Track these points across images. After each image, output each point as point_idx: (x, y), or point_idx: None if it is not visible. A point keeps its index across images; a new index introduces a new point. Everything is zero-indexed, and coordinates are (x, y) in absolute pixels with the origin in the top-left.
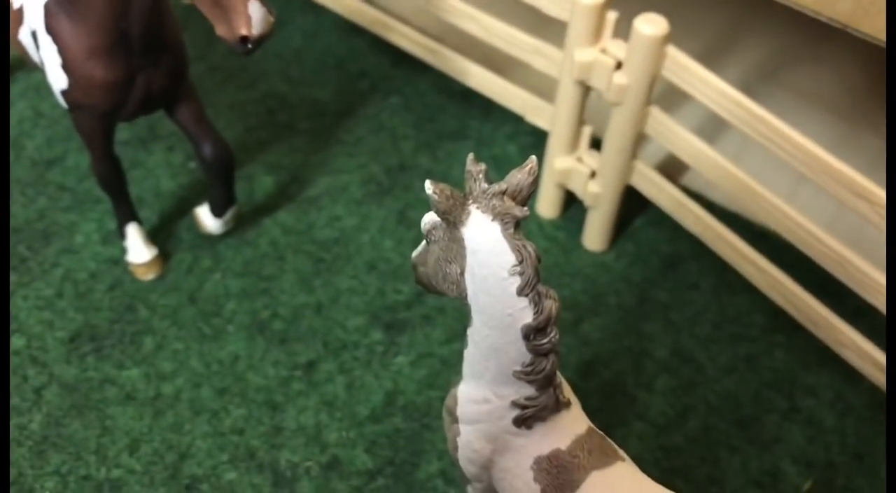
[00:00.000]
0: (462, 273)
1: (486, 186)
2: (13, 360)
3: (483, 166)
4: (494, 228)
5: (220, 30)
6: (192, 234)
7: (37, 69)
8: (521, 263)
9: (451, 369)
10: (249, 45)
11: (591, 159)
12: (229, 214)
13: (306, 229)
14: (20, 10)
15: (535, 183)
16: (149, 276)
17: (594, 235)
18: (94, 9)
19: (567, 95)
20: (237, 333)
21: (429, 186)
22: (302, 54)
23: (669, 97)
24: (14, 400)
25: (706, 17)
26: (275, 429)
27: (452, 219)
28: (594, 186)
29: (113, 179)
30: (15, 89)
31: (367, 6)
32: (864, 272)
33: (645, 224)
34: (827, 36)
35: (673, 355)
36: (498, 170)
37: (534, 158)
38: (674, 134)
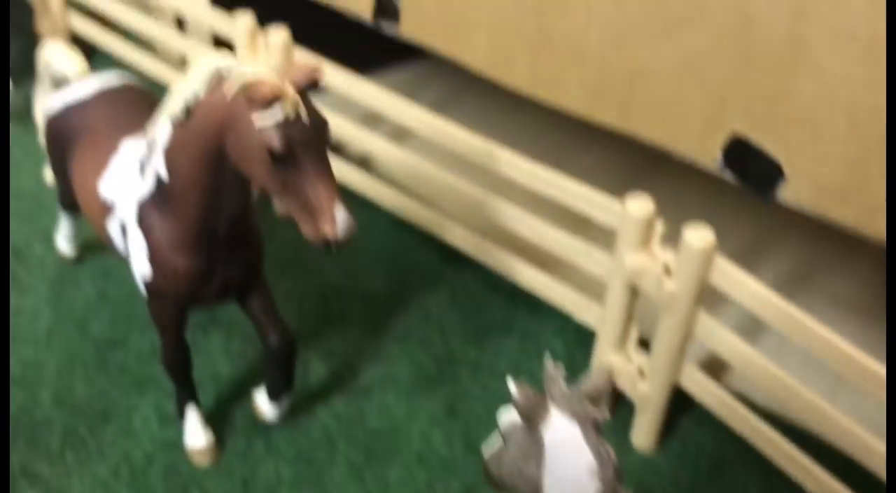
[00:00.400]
0: (541, 474)
1: (566, 389)
2: None
3: (563, 370)
4: (574, 430)
5: (306, 230)
6: (247, 419)
7: (109, 252)
8: (601, 465)
9: None
10: (332, 246)
11: (639, 358)
12: (286, 399)
13: (358, 418)
14: (112, 204)
15: (612, 388)
16: (204, 462)
17: (642, 433)
18: (188, 207)
19: (616, 297)
20: None
21: (513, 388)
22: (356, 248)
23: (710, 296)
24: None
25: (740, 224)
26: None
27: (533, 420)
28: (643, 386)
29: (182, 364)
30: (83, 272)
31: (419, 205)
32: None
33: (692, 424)
34: (855, 243)
35: None
36: (542, 364)
37: (610, 364)
38: (721, 337)
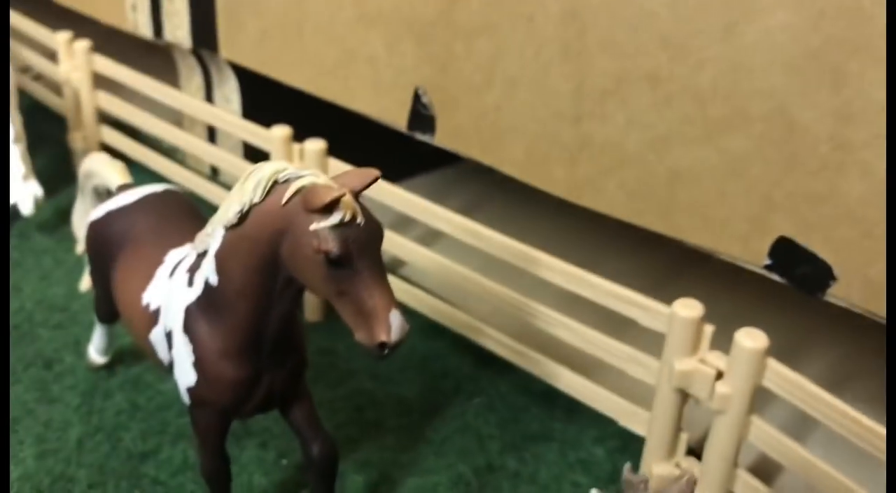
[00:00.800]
0: None
1: None
2: None
3: (646, 477)
4: None
5: (360, 336)
6: None
7: (140, 362)
8: None
9: None
10: (386, 351)
11: (689, 466)
12: None
13: None
14: (156, 312)
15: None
16: None
17: None
18: (237, 314)
19: (665, 403)
20: None
21: None
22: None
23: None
24: None
25: (774, 322)
26: None
27: None
28: None
29: (221, 475)
30: (114, 382)
31: (451, 308)
32: None
33: None
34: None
35: None
36: (585, 473)
37: (692, 469)
38: (775, 440)
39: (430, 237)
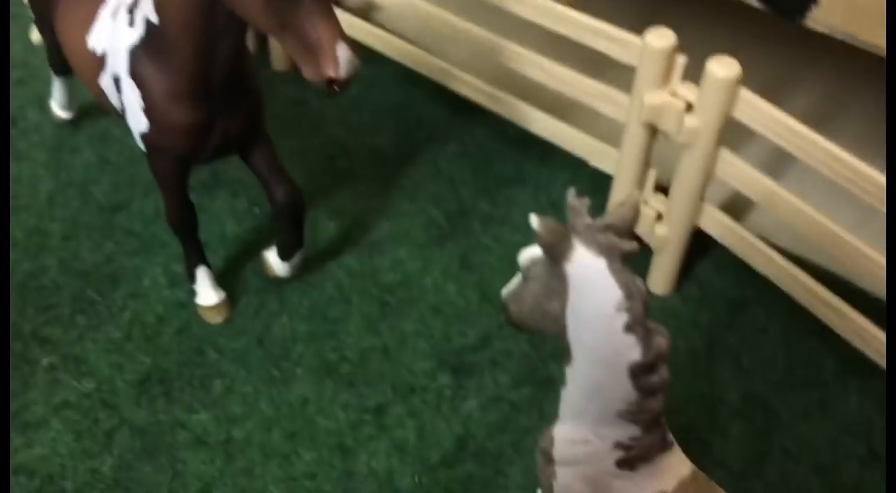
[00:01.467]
0: (563, 310)
1: (590, 220)
2: (84, 403)
3: (587, 201)
4: (600, 264)
5: (308, 72)
6: (258, 278)
7: (106, 116)
8: (628, 298)
9: (521, 415)
10: (336, 88)
11: (656, 202)
12: (297, 258)
13: (370, 273)
14: (103, 57)
15: (637, 218)
16: (217, 319)
17: (660, 278)
18: (182, 54)
19: (634, 139)
20: (305, 376)
21: (534, 221)
22: (361, 103)
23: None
24: (85, 443)
25: (761, 59)
26: (347, 474)
27: (556, 254)
28: (661, 229)
29: (186, 222)
30: (81, 137)
31: (426, 54)
32: None
33: (710, 267)
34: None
35: (745, 400)
36: (557, 214)
37: (636, 194)
38: (744, 174)
39: None
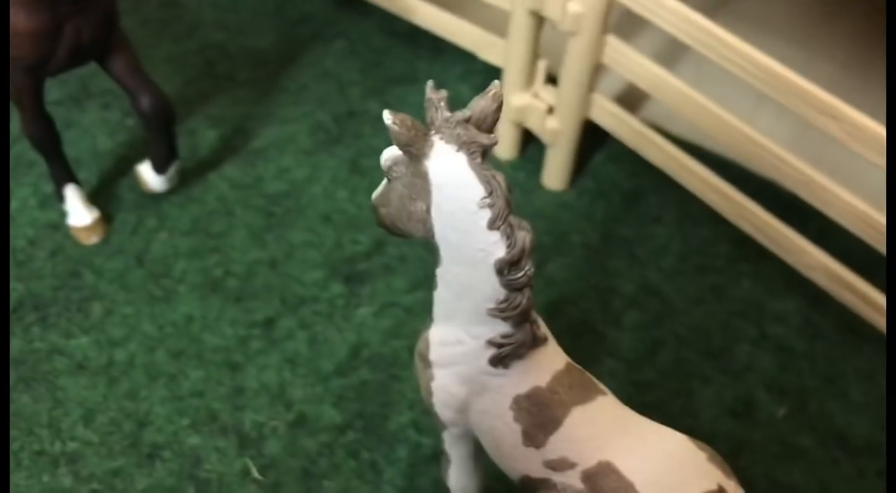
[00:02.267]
0: (428, 210)
1: (448, 114)
2: None
3: (444, 93)
4: (460, 159)
5: None
6: (134, 193)
7: None
8: (490, 194)
9: (415, 318)
10: None
11: (547, 95)
12: (172, 170)
13: (254, 183)
14: None
15: (500, 109)
16: (92, 239)
17: (554, 173)
18: None
19: (520, 28)
20: (189, 293)
21: (387, 117)
22: (238, 2)
23: (619, 25)
24: None
25: None
26: (236, 390)
27: (415, 152)
28: (552, 123)
29: (46, 139)
30: None
31: None
32: (828, 191)
33: (604, 160)
34: None
35: (639, 289)
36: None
37: (497, 82)
38: (632, 63)
39: None
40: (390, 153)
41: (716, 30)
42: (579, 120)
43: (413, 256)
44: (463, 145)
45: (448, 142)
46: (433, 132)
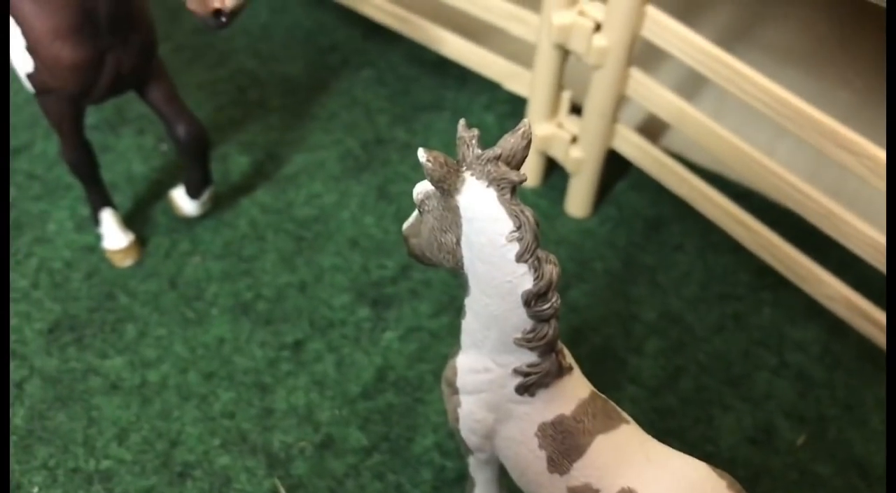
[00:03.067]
0: (458, 242)
1: (479, 151)
2: None
3: (476, 132)
4: (490, 195)
5: (192, 3)
6: (168, 218)
7: None
8: (519, 228)
9: (440, 343)
10: (223, 19)
11: (571, 125)
12: (205, 195)
13: (285, 208)
14: None
15: (529, 147)
16: (126, 262)
17: (577, 201)
18: None
19: (545, 60)
20: (221, 316)
21: (422, 154)
22: (270, 30)
23: (642, 57)
24: None
25: None
26: (265, 411)
27: (446, 187)
28: (576, 152)
29: (85, 164)
30: None
31: None
32: (847, 223)
33: (626, 188)
34: None
35: (661, 317)
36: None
37: (527, 121)
38: (655, 95)
39: None
40: (422, 187)
41: (735, 63)
42: (602, 149)
43: (438, 281)
44: (493, 182)
45: (479, 178)
46: (464, 168)
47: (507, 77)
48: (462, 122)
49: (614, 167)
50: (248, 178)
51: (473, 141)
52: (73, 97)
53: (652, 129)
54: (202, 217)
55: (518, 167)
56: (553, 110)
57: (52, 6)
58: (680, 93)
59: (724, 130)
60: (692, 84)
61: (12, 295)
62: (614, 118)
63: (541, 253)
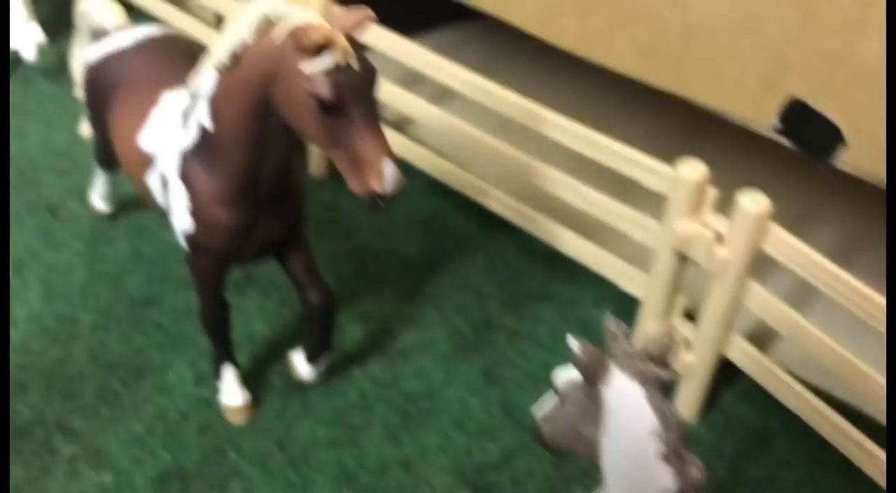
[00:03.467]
0: (598, 434)
1: (629, 348)
2: None
3: (625, 326)
4: (637, 390)
5: (353, 185)
6: (282, 379)
7: (144, 209)
8: (665, 427)
9: None
10: (380, 201)
11: (684, 329)
12: (323, 361)
13: (394, 381)
14: (152, 156)
15: (675, 346)
16: (240, 419)
17: (685, 405)
18: (232, 159)
19: (664, 265)
20: (325, 483)
21: (574, 344)
22: (392, 211)
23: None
24: None
25: (789, 191)
26: None
27: (593, 378)
28: (688, 357)
29: (219, 321)
30: (118, 229)
31: (458, 168)
32: None
33: (735, 397)
34: None
35: None
36: (583, 333)
37: (667, 324)
38: (772, 306)
39: (441, 97)
40: (566, 375)
41: (848, 278)
42: (715, 357)
43: (540, 472)
44: (641, 377)
45: (626, 372)
46: (613, 362)
47: (623, 277)
48: (610, 317)
49: (723, 374)
50: (361, 348)
51: (622, 335)
52: (222, 258)
53: (762, 336)
54: (315, 382)
55: (664, 365)
56: (666, 313)
57: (223, 174)
58: (790, 299)
59: (837, 343)
60: (801, 292)
61: (128, 439)
62: (729, 327)
63: (685, 454)
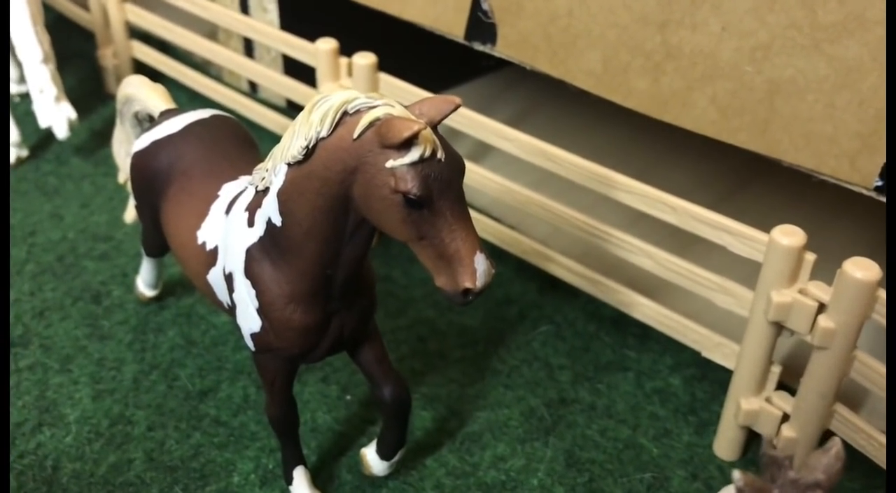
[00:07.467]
0: None
1: (793, 475)
2: None
3: (791, 454)
4: None
5: (441, 281)
6: (354, 475)
7: (191, 294)
8: None
9: None
10: (471, 298)
11: (781, 401)
12: (398, 457)
13: (471, 471)
14: (213, 252)
15: (844, 467)
16: None
17: None
18: (304, 257)
19: (758, 336)
20: None
21: (738, 478)
22: None
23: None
24: None
25: (845, 233)
26: None
27: None
28: (789, 431)
29: (288, 421)
30: (165, 316)
31: (514, 232)
32: None
33: None
34: None
35: None
36: (663, 404)
37: (837, 439)
38: (879, 377)
39: (479, 149)
40: None
41: None
42: (819, 430)
43: None
44: None
45: None
46: (776, 490)
47: (708, 346)
48: (766, 437)
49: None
50: (432, 435)
51: (787, 462)
52: (293, 358)
53: (853, 393)
54: (388, 477)
55: (830, 488)
56: (760, 385)
57: (294, 273)
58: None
59: None
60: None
61: None
62: (834, 399)
63: None
